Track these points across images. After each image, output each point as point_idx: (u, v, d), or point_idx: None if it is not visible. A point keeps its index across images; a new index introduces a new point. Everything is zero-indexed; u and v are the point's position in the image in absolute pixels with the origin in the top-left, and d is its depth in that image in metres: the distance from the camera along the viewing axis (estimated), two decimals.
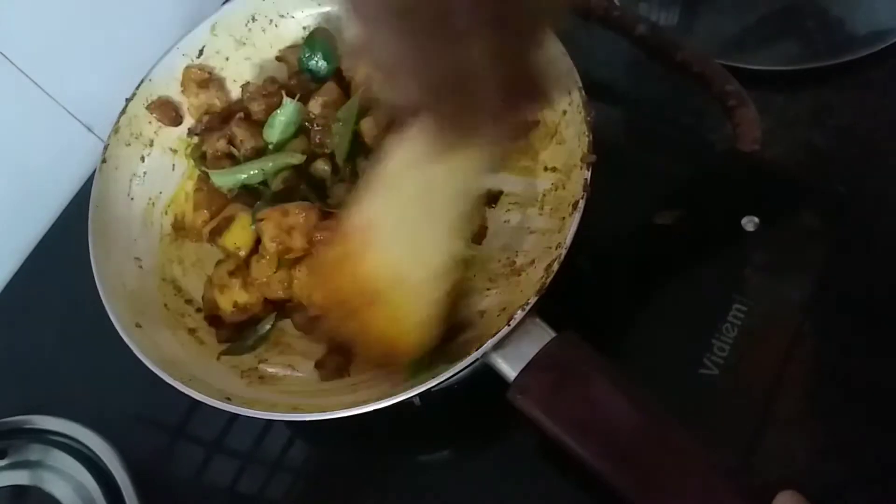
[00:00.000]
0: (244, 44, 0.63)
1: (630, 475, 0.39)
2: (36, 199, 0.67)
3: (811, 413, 0.46)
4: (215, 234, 0.55)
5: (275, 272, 0.52)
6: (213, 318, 0.54)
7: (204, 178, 0.59)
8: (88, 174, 0.68)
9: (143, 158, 0.60)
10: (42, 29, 0.62)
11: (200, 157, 0.60)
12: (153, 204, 0.59)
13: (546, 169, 0.53)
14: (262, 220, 0.51)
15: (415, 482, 0.50)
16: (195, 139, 0.61)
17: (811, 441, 0.45)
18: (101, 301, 0.50)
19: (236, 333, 0.53)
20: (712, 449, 0.40)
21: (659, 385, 0.46)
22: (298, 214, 0.50)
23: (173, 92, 0.61)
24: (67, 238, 0.65)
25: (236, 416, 0.53)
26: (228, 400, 0.46)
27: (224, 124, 0.59)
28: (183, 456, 0.54)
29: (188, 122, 0.62)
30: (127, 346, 0.48)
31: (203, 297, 0.55)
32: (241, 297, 0.53)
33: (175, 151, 0.61)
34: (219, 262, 0.55)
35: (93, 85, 0.66)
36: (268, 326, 0.53)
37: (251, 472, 0.53)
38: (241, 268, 0.53)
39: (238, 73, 0.63)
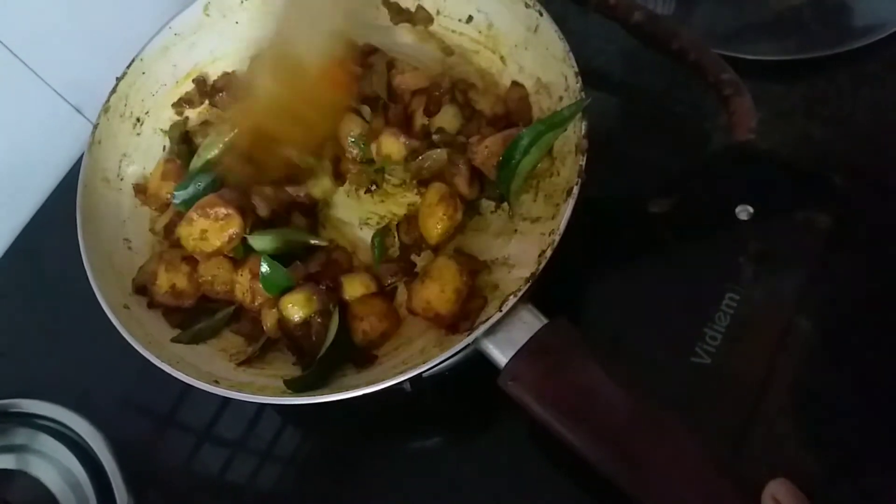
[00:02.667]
0: (237, 23, 0.62)
1: (620, 462, 0.39)
2: (24, 181, 0.67)
3: (802, 403, 0.46)
4: (169, 231, 0.55)
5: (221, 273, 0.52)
6: (141, 288, 0.53)
7: (176, 152, 0.59)
8: (77, 156, 0.67)
9: (133, 138, 0.59)
10: (32, 9, 0.62)
11: (179, 136, 0.60)
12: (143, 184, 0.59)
13: None
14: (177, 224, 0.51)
15: (406, 469, 0.50)
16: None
17: (801, 431, 0.45)
18: (90, 283, 0.50)
19: (190, 319, 0.52)
20: (703, 436, 0.40)
21: (650, 372, 0.46)
22: (212, 220, 0.50)
23: (164, 72, 0.61)
24: (56, 220, 0.64)
25: (226, 402, 0.53)
26: (216, 383, 0.46)
27: (205, 97, 0.60)
28: (172, 442, 0.54)
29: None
30: (116, 330, 0.48)
31: (142, 267, 0.54)
32: (182, 283, 0.52)
33: (165, 132, 0.61)
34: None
35: (82, 66, 0.66)
36: (221, 317, 0.52)
37: (241, 459, 0.52)
38: (196, 259, 0.52)
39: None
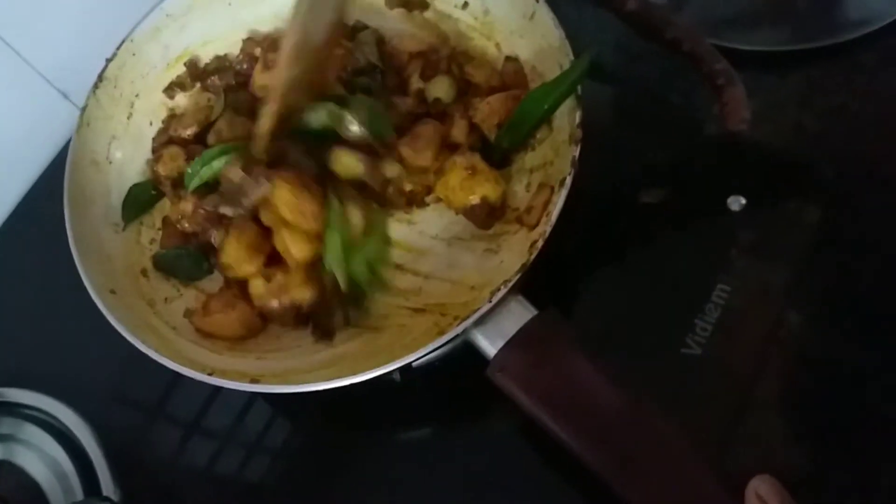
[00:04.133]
0: (230, 5, 0.62)
1: (606, 456, 0.39)
2: (9, 168, 0.66)
3: (792, 395, 0.46)
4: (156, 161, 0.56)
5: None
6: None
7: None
8: (64, 142, 0.66)
9: (122, 121, 0.59)
10: None
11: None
12: (133, 167, 0.58)
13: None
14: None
15: (396, 460, 0.50)
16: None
17: (791, 423, 0.45)
18: (77, 271, 0.49)
19: (181, 240, 0.53)
20: (689, 432, 0.40)
21: (640, 364, 0.46)
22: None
23: (155, 54, 0.60)
24: (43, 207, 0.63)
25: (216, 392, 0.53)
26: (204, 371, 0.45)
27: (196, 81, 0.60)
28: (160, 432, 0.54)
29: None
30: (105, 319, 0.47)
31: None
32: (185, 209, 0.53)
33: (156, 113, 0.60)
34: None
35: (70, 50, 0.65)
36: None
37: (230, 450, 0.52)
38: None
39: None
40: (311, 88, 0.50)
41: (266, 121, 0.49)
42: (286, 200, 0.47)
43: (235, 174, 0.50)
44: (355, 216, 0.48)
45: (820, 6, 0.59)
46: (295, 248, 0.48)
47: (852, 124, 0.54)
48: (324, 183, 0.49)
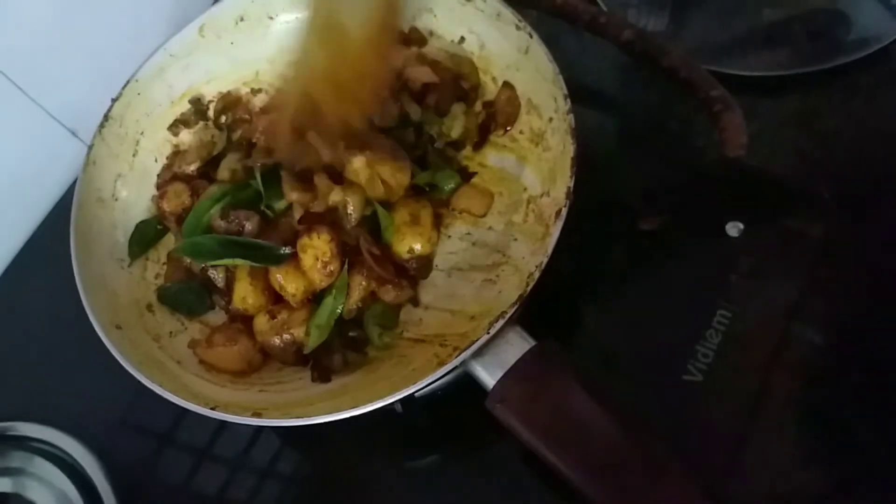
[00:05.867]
0: (232, 44, 0.63)
1: (605, 487, 0.39)
2: (18, 205, 0.67)
3: (796, 420, 0.46)
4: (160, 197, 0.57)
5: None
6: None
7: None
8: (72, 179, 0.67)
9: (128, 159, 0.60)
10: (25, 30, 0.62)
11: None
12: (138, 204, 0.59)
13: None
14: None
15: (399, 489, 0.50)
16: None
17: (796, 448, 0.45)
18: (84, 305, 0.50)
19: (185, 275, 0.54)
20: (690, 464, 0.40)
21: (642, 392, 0.46)
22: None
23: (160, 93, 0.61)
24: (51, 243, 0.64)
25: (222, 423, 0.53)
26: (207, 405, 0.46)
27: (200, 118, 0.61)
28: (167, 465, 0.54)
29: None
30: (110, 352, 0.47)
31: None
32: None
33: (161, 150, 0.61)
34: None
35: (77, 89, 0.66)
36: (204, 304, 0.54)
37: (238, 481, 0.52)
38: None
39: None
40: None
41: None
42: (318, 248, 0.49)
43: (218, 225, 0.52)
44: (357, 290, 0.50)
45: (816, 31, 0.59)
46: (291, 286, 0.50)
47: (850, 147, 0.54)
48: (345, 253, 0.50)
